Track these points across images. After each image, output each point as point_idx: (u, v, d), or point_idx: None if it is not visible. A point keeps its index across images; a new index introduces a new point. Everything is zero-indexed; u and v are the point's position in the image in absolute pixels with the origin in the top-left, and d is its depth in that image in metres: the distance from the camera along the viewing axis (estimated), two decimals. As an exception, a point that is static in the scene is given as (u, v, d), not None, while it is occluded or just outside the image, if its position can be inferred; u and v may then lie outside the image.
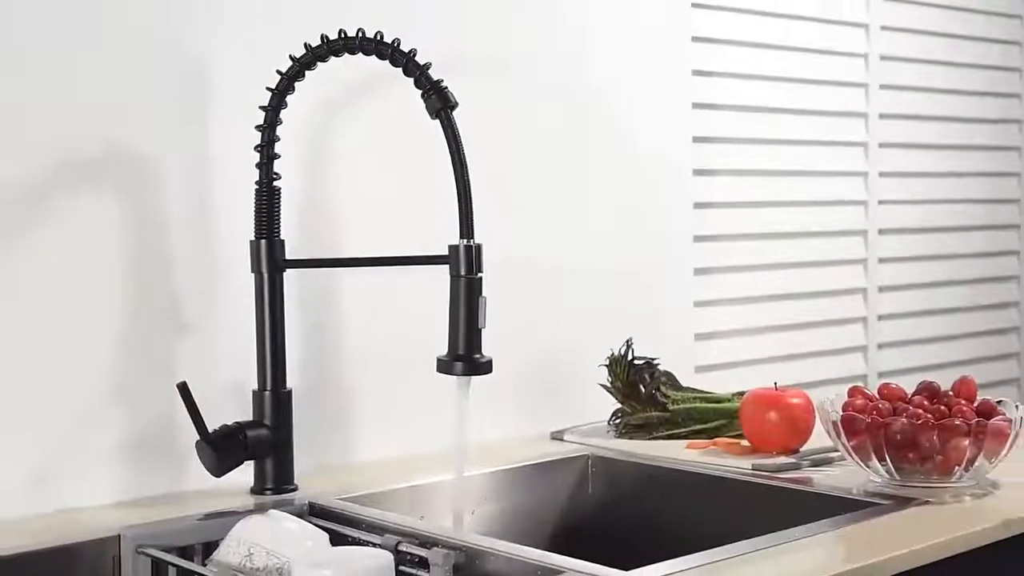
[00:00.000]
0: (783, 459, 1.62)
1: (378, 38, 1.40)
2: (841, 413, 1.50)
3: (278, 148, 1.49)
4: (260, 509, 1.37)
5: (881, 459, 1.47)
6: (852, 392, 1.56)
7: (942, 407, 1.51)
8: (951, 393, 1.55)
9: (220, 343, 1.57)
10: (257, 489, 1.51)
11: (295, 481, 1.52)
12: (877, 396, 1.56)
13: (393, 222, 1.72)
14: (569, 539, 1.67)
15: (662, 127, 2.10)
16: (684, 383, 1.87)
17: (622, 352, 1.82)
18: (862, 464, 1.50)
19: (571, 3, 1.97)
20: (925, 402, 1.53)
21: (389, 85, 1.53)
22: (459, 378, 1.36)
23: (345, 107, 1.69)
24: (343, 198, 1.69)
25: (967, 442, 1.45)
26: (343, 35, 1.42)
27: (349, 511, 1.41)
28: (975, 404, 1.52)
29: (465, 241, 1.35)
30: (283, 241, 1.51)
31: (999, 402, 1.51)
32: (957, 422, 1.45)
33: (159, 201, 1.52)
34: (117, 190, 1.49)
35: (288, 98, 1.48)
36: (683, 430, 1.78)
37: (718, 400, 1.82)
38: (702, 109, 2.17)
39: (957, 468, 1.46)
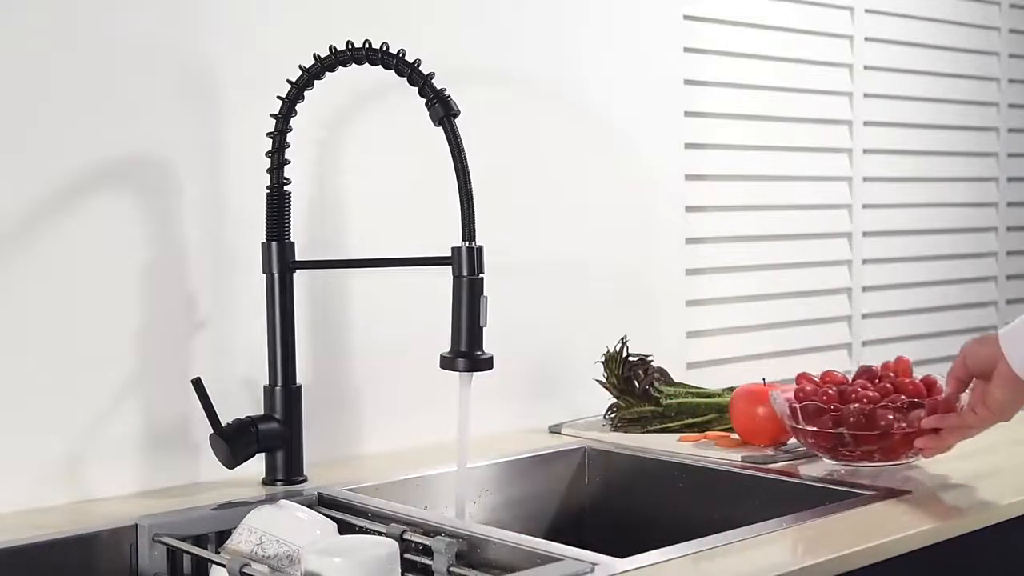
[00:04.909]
0: (771, 451, 1.64)
1: (384, 49, 1.41)
2: (798, 404, 1.53)
3: (288, 154, 1.51)
4: (271, 499, 1.38)
5: (841, 443, 1.50)
6: (799, 379, 1.58)
7: (887, 385, 1.54)
8: (890, 373, 1.58)
9: (233, 340, 1.58)
10: (268, 480, 1.53)
11: (304, 473, 1.54)
12: (821, 382, 1.60)
13: (398, 225, 1.74)
14: (567, 528, 1.68)
15: (656, 134, 2.12)
16: (676, 379, 1.89)
17: (617, 349, 1.84)
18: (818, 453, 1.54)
19: (569, 16, 1.99)
20: (869, 384, 1.57)
21: (394, 94, 1.54)
22: (461, 374, 1.37)
23: (353, 114, 1.71)
24: (350, 202, 1.71)
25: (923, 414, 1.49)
26: (350, 46, 1.44)
27: (356, 501, 1.42)
28: (917, 380, 1.56)
29: (467, 243, 1.36)
30: (293, 243, 1.53)
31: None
32: (911, 399, 1.49)
33: (176, 205, 1.54)
34: (137, 193, 1.51)
35: (298, 106, 1.49)
36: (675, 424, 1.79)
37: (709, 395, 1.82)
38: (693, 117, 2.20)
39: (903, 452, 1.51)
